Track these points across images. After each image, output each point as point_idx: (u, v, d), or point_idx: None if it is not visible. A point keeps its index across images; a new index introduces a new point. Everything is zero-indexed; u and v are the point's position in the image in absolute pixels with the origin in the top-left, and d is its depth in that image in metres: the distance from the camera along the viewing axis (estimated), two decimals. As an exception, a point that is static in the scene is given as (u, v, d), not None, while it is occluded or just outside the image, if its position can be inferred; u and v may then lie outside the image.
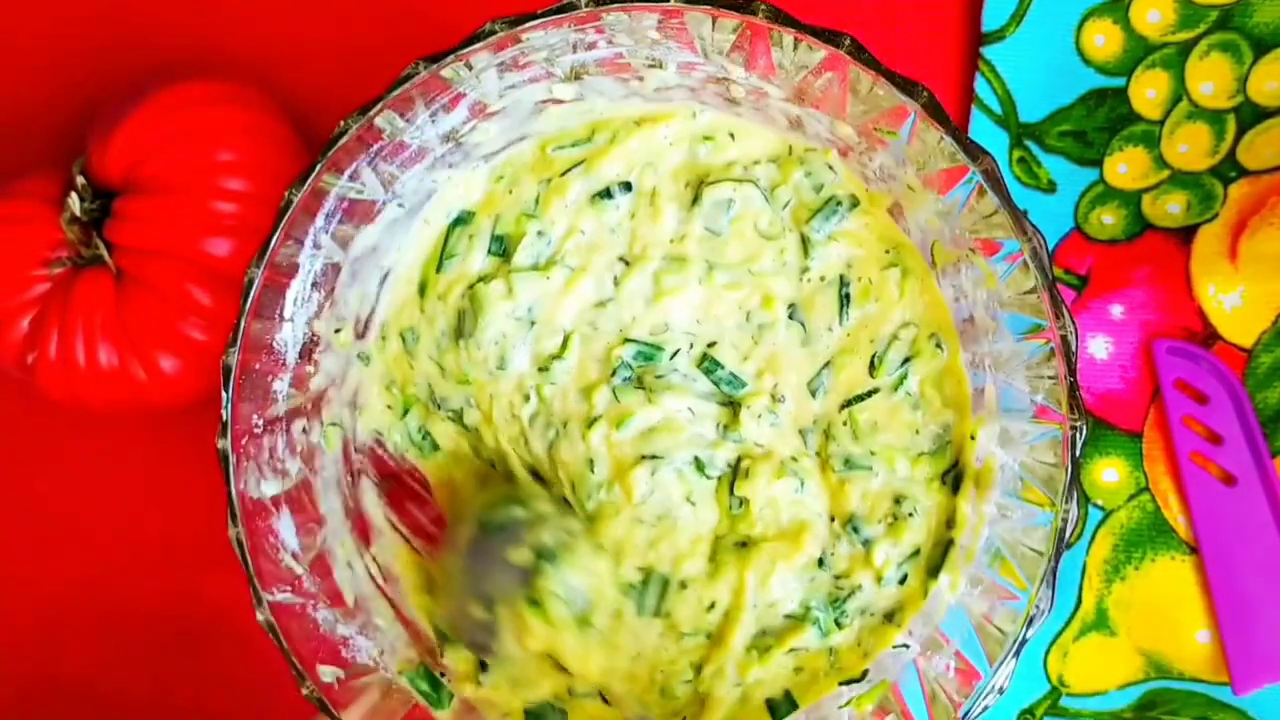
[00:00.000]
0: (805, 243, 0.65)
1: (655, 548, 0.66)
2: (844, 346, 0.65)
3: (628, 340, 0.65)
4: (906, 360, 0.64)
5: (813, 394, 0.65)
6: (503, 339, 0.66)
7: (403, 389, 0.67)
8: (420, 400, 0.67)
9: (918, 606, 0.64)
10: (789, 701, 0.65)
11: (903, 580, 0.64)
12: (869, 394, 0.65)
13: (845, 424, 0.64)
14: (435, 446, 0.68)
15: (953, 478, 0.64)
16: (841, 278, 0.65)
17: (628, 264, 0.65)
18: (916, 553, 0.64)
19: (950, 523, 0.64)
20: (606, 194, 0.65)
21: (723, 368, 0.65)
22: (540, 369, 0.66)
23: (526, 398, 0.66)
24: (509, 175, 0.66)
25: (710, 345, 0.65)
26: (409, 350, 0.66)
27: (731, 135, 0.65)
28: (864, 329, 0.65)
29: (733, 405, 0.65)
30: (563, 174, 0.65)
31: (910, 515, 0.64)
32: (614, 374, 0.65)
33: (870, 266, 0.64)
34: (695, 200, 0.65)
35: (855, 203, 0.64)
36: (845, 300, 0.65)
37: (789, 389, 0.65)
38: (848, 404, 0.65)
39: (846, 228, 0.64)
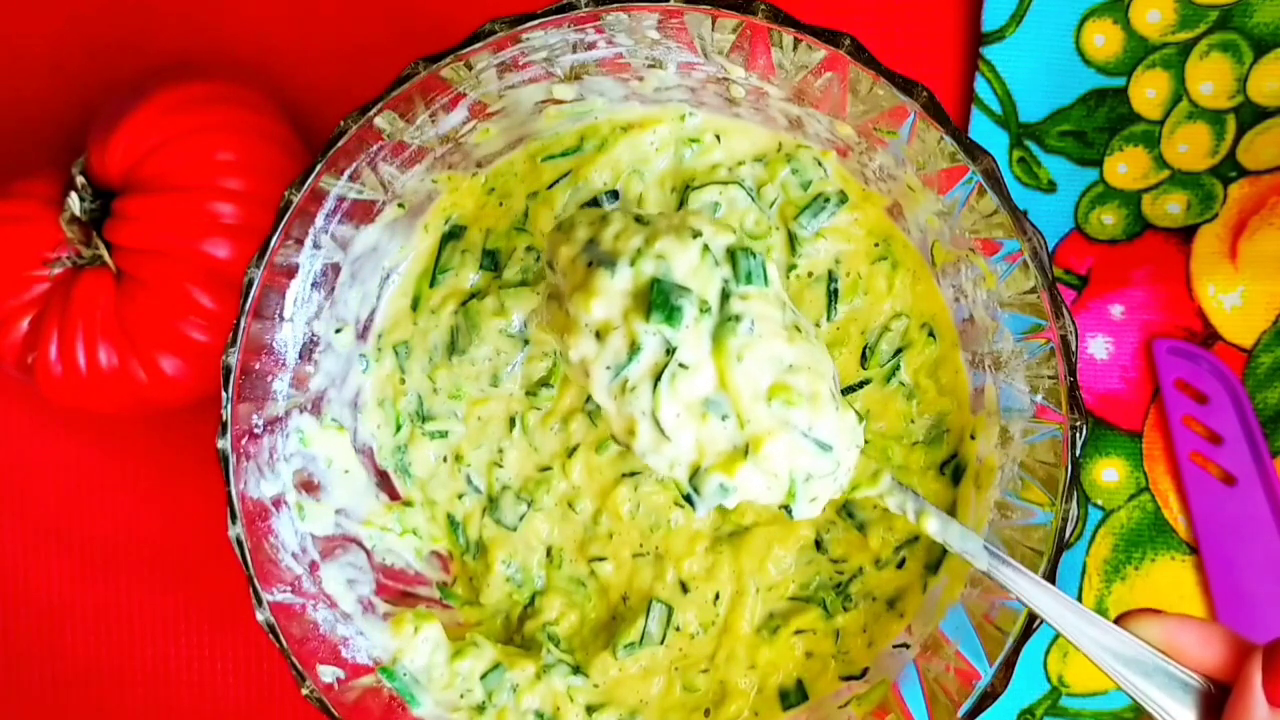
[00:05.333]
0: (793, 240, 0.65)
1: (658, 566, 0.66)
2: (832, 339, 0.65)
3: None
4: (898, 351, 0.64)
5: None
6: (496, 356, 0.66)
7: (394, 403, 0.67)
8: (408, 414, 0.67)
9: (919, 600, 0.64)
10: (799, 691, 0.65)
11: (900, 565, 0.64)
12: (861, 385, 0.65)
13: None
14: (409, 474, 0.68)
15: (951, 469, 0.64)
16: (830, 273, 0.65)
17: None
18: (914, 539, 0.64)
19: (950, 515, 0.64)
20: (594, 204, 0.65)
21: None
22: (528, 393, 0.66)
23: (511, 424, 0.67)
24: (500, 187, 0.66)
25: None
26: (401, 365, 0.67)
27: (718, 137, 0.65)
28: (853, 322, 0.65)
29: None
30: (550, 186, 0.65)
31: None
32: (587, 399, 0.66)
33: (859, 261, 0.65)
34: (681, 205, 0.65)
35: (844, 199, 0.64)
36: (833, 296, 0.65)
37: None
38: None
39: (835, 224, 0.65)
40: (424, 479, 0.68)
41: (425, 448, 0.68)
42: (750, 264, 0.55)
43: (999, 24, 0.72)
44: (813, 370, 0.55)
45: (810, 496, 0.56)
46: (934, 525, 0.58)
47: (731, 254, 0.55)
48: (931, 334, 0.64)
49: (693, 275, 0.54)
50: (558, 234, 0.57)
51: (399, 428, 0.67)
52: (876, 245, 0.65)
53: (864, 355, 0.65)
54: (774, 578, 0.65)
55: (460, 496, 0.68)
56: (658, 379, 0.54)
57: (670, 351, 0.53)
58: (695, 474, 0.55)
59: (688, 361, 0.53)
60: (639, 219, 0.56)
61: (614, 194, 0.65)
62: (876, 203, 0.64)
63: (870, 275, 0.65)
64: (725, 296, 0.54)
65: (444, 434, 0.67)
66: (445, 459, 0.68)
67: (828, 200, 0.64)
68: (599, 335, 0.54)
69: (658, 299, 0.53)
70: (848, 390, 0.65)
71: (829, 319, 0.65)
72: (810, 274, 0.65)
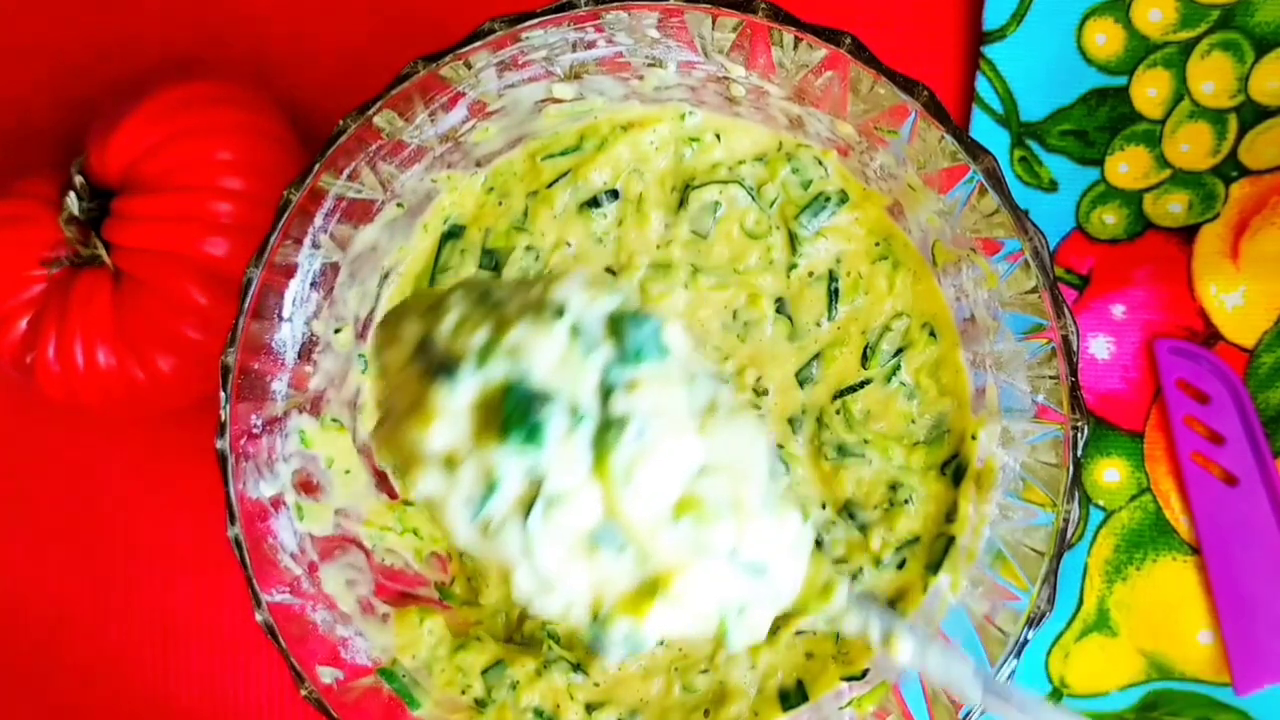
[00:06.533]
0: (793, 239, 0.65)
1: None
2: (834, 339, 0.65)
3: None
4: (899, 351, 0.64)
5: (801, 385, 0.65)
6: None
7: None
8: None
9: (919, 599, 0.64)
10: (800, 693, 0.65)
11: (901, 565, 0.64)
12: (862, 385, 0.65)
13: (838, 413, 0.65)
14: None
15: (952, 469, 0.64)
16: (830, 273, 0.65)
17: (614, 274, 0.65)
18: (915, 540, 0.64)
19: (950, 516, 0.64)
20: (594, 203, 0.65)
21: None
22: None
23: None
24: (499, 186, 0.66)
25: None
26: None
27: (718, 136, 0.65)
28: (854, 321, 0.65)
29: None
30: (549, 185, 0.65)
31: (906, 503, 0.64)
32: None
33: (860, 260, 0.65)
34: (681, 204, 0.65)
35: (844, 198, 0.64)
36: (834, 295, 0.65)
37: (773, 382, 0.65)
38: (840, 394, 0.65)
39: (835, 223, 0.65)
40: None
41: None
42: (640, 335, 0.44)
43: (1000, 23, 0.72)
44: (735, 468, 0.45)
45: (747, 628, 0.47)
46: (908, 651, 0.49)
47: (615, 323, 0.44)
48: (932, 334, 0.64)
49: (559, 370, 0.43)
50: (383, 330, 0.47)
51: None
52: (877, 245, 0.64)
53: (864, 355, 0.65)
54: None
55: None
56: (528, 512, 0.43)
57: (539, 479, 0.43)
58: (597, 617, 0.45)
59: (562, 489, 0.42)
60: (485, 296, 0.45)
61: (614, 193, 0.65)
62: (877, 202, 0.64)
63: (871, 275, 0.65)
64: (607, 392, 0.43)
65: None
66: None
67: (828, 199, 0.64)
68: (448, 464, 0.43)
69: (513, 413, 0.42)
70: (848, 390, 0.65)
71: (829, 319, 0.65)
72: (811, 273, 0.65)
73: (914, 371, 0.65)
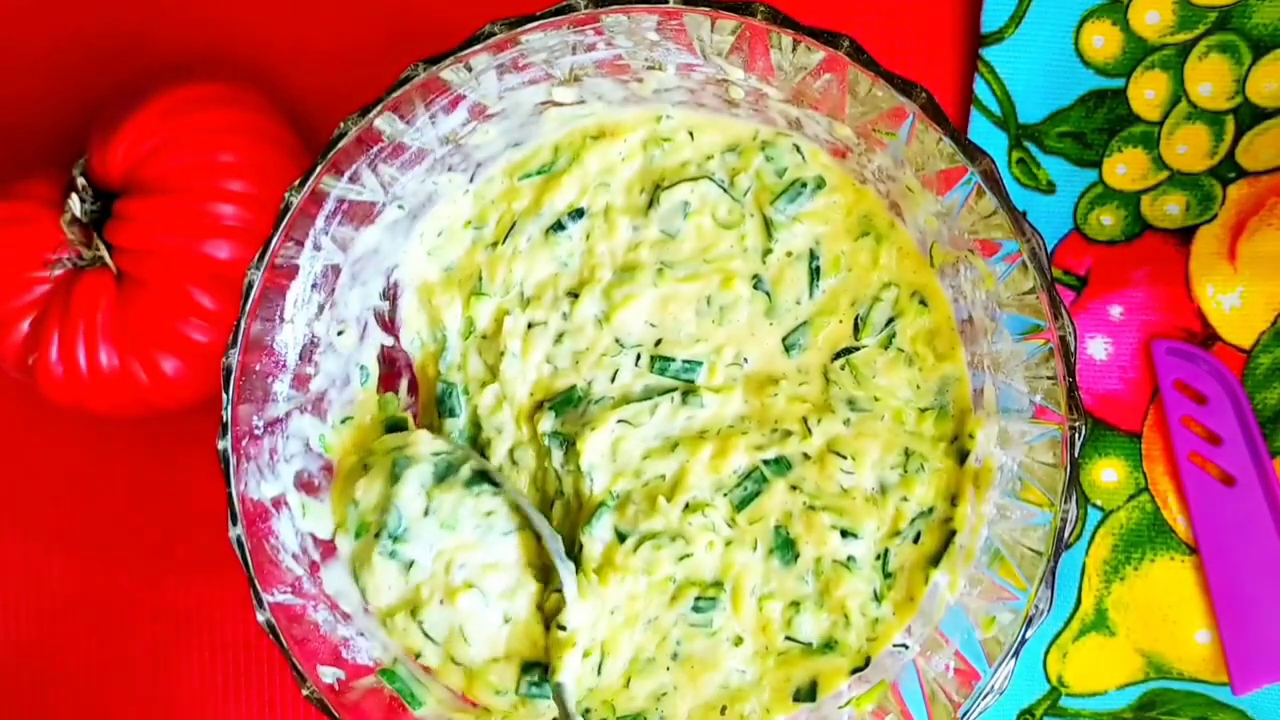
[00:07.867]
0: (768, 225, 0.64)
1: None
2: (821, 308, 0.64)
3: (544, 404, 0.65)
4: (891, 320, 0.64)
5: (787, 351, 0.64)
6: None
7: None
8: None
9: (918, 597, 0.64)
10: (810, 691, 0.65)
11: (916, 539, 0.64)
12: (857, 348, 0.64)
13: (844, 368, 0.64)
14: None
15: (957, 449, 0.64)
16: (811, 252, 0.64)
17: (575, 296, 0.65)
18: (930, 510, 0.64)
19: (955, 500, 0.64)
20: (559, 226, 0.65)
21: (674, 360, 0.65)
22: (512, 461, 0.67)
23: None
24: (476, 217, 0.66)
25: (657, 344, 0.65)
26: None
27: (690, 134, 0.65)
28: (843, 294, 0.64)
29: (685, 395, 0.65)
30: (505, 237, 0.65)
31: (920, 471, 0.64)
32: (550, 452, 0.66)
33: (840, 240, 0.64)
34: (651, 204, 0.65)
35: (821, 183, 0.64)
36: (815, 273, 0.64)
37: (754, 354, 0.65)
38: (840, 355, 0.64)
39: (813, 208, 0.64)
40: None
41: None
42: None
43: (998, 25, 0.73)
44: None
45: None
46: None
47: None
48: (923, 302, 0.64)
49: None
50: None
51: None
52: (858, 223, 0.64)
53: (856, 326, 0.64)
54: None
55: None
56: None
57: None
58: None
59: None
60: None
61: (579, 212, 0.65)
62: (848, 181, 0.64)
63: (854, 252, 0.64)
64: None
65: None
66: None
67: (804, 185, 0.64)
68: None
69: None
70: (843, 353, 0.64)
71: (810, 296, 0.65)
72: (789, 254, 0.65)
73: (910, 340, 0.64)
